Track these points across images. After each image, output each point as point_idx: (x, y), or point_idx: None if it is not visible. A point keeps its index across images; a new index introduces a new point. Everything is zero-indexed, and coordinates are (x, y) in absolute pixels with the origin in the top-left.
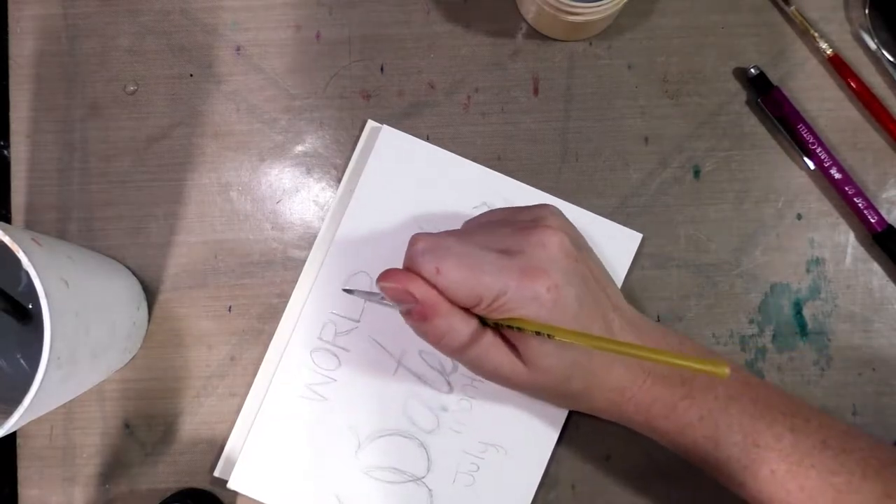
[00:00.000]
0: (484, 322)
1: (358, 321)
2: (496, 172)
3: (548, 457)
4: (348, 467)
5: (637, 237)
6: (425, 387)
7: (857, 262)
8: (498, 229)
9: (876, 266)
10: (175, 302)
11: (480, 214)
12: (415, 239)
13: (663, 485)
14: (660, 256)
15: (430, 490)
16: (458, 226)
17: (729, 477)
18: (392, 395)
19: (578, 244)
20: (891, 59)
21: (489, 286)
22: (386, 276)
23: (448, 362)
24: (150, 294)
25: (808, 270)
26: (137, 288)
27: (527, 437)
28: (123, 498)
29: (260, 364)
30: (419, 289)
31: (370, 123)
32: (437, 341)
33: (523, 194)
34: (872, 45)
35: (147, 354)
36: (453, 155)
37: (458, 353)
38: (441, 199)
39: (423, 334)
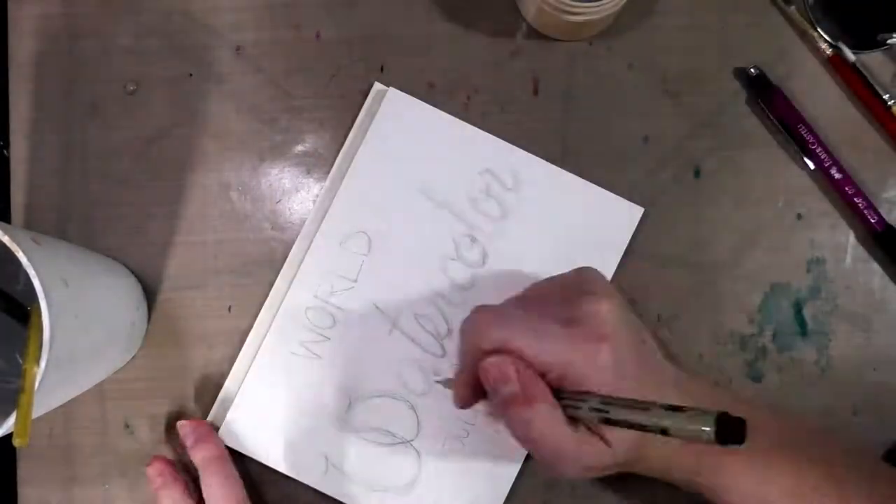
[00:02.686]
0: None
1: (355, 281)
2: (503, 141)
3: None
4: (338, 427)
5: (638, 211)
6: (419, 349)
7: (857, 262)
8: (549, 300)
9: (876, 266)
10: (175, 302)
11: (525, 290)
12: (478, 309)
13: (663, 485)
14: (660, 256)
15: (418, 453)
16: (461, 189)
17: None
18: (385, 356)
19: (623, 305)
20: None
21: (558, 355)
22: (487, 356)
23: (443, 325)
24: (150, 294)
25: (808, 270)
26: (137, 288)
27: None
28: (123, 498)
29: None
30: (518, 370)
31: (377, 86)
32: (524, 436)
33: (528, 164)
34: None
35: (147, 354)
36: (459, 121)
37: (545, 455)
38: (445, 163)
39: (513, 428)
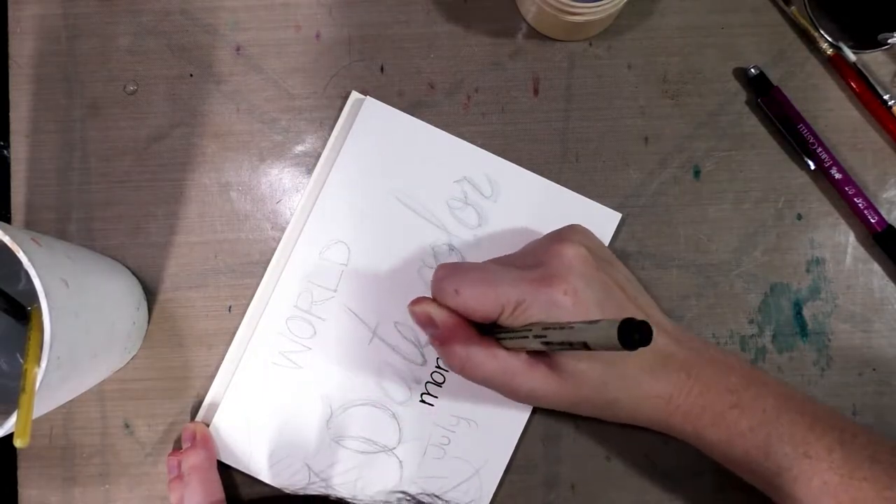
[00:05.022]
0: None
1: (335, 290)
2: (479, 148)
3: (519, 433)
4: (320, 436)
5: (616, 217)
6: (399, 358)
7: (857, 262)
8: (522, 252)
9: (876, 266)
10: (175, 302)
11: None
12: (437, 267)
13: (663, 485)
14: (660, 256)
15: (400, 461)
16: (439, 198)
17: (778, 488)
18: (366, 365)
19: (601, 256)
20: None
21: (506, 294)
22: (413, 301)
23: (423, 334)
24: (150, 294)
25: (808, 270)
26: (137, 288)
27: (499, 413)
28: (123, 498)
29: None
30: (438, 313)
31: (354, 94)
32: (461, 368)
33: (505, 171)
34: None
35: (147, 354)
36: (436, 129)
37: (487, 380)
38: (423, 172)
39: (448, 362)
